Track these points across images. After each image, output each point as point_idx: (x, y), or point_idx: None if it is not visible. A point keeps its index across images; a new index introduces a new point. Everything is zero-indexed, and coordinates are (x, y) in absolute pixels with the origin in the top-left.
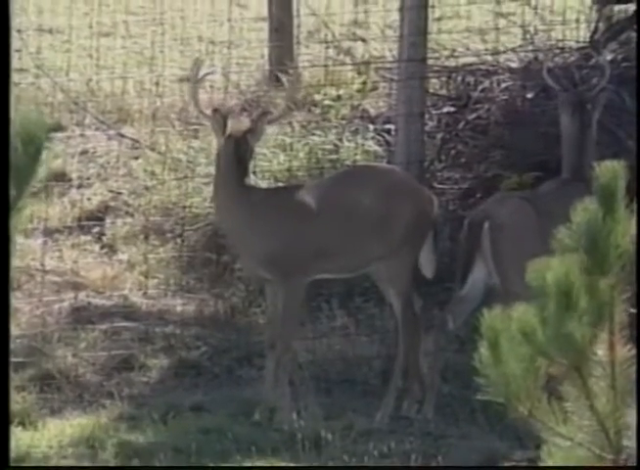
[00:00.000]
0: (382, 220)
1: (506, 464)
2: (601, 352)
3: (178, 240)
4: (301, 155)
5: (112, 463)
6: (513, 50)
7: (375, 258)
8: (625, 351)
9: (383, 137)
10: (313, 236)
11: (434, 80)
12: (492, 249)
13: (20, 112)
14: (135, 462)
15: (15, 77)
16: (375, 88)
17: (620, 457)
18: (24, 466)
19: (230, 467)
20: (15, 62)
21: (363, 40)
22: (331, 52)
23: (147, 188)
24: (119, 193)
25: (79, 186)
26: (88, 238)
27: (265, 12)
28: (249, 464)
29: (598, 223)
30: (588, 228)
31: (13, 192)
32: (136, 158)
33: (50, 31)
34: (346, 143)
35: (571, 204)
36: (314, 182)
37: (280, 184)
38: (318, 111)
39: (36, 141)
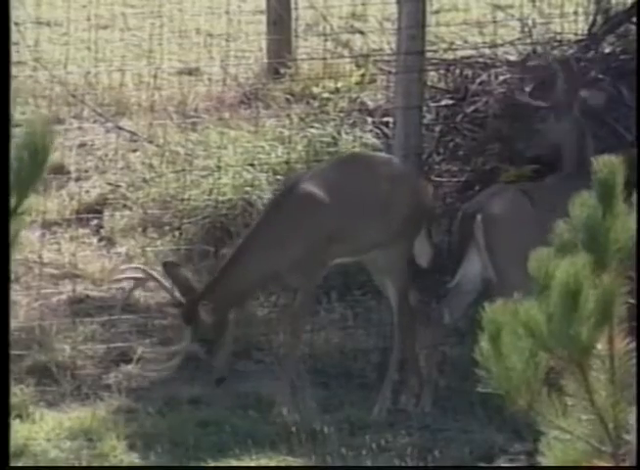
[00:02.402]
0: (380, 206)
1: (503, 457)
2: (600, 345)
3: (176, 233)
4: (300, 147)
5: (109, 456)
6: (511, 43)
7: (374, 244)
8: (624, 344)
9: (381, 130)
10: (325, 227)
11: (432, 73)
12: (486, 241)
13: (27, 120)
14: (133, 455)
15: (12, 70)
16: (373, 81)
17: (619, 451)
18: (25, 466)
19: (225, 467)
20: (12, 55)
21: (361, 33)
22: (329, 45)
23: (145, 181)
24: (118, 186)
25: (77, 179)
26: (86, 231)
27: (263, 4)
28: (246, 457)
29: (597, 219)
30: (587, 223)
31: (15, 197)
32: (134, 150)
33: (48, 24)
34: (345, 135)
35: (571, 198)
36: (311, 171)
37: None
38: (316, 103)
39: (43, 152)
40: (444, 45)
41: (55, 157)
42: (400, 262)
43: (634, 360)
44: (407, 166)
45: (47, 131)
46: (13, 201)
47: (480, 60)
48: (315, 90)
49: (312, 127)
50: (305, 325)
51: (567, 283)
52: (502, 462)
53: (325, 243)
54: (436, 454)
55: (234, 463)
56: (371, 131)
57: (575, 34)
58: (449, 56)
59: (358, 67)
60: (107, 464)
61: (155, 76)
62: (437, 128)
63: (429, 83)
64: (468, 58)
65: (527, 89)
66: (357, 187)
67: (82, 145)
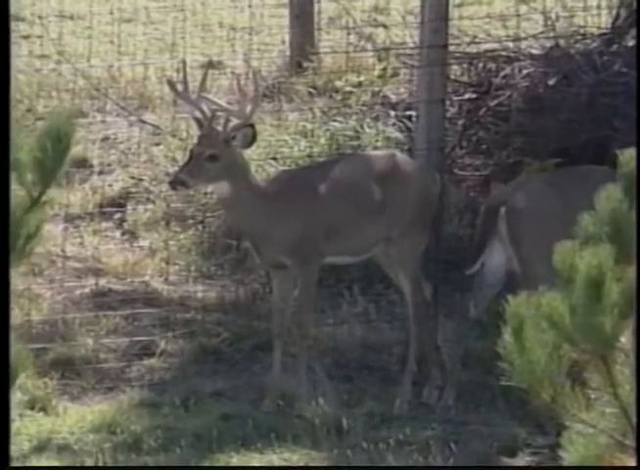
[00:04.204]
0: (384, 203)
1: (526, 450)
2: (624, 339)
3: (199, 226)
4: (322, 141)
5: (132, 449)
6: (534, 36)
7: (380, 239)
8: None
9: (404, 123)
10: (322, 217)
11: (455, 67)
12: (510, 233)
13: (50, 109)
14: (155, 448)
15: (36, 64)
16: (396, 74)
17: None
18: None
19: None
20: (36, 48)
21: (384, 26)
22: (352, 38)
23: (168, 174)
24: (141, 179)
25: (100, 172)
26: (109, 224)
27: None
28: (269, 451)
29: (622, 212)
30: (612, 216)
31: (39, 187)
32: (157, 144)
33: (71, 17)
34: (367, 129)
35: (597, 190)
36: (315, 164)
37: (282, 169)
38: (339, 97)
39: (66, 140)
40: (467, 39)
41: (78, 150)
42: (412, 253)
43: None
44: (411, 159)
45: (69, 121)
46: (36, 191)
47: (504, 53)
48: (338, 84)
49: (335, 121)
50: (311, 314)
51: (590, 274)
52: (525, 456)
53: (321, 234)
54: (459, 448)
55: (256, 457)
56: (394, 125)
57: (599, 28)
58: (472, 49)
59: (381, 60)
60: (130, 457)
61: (178, 70)
62: (461, 122)
63: (452, 77)
64: (491, 51)
65: (551, 82)
66: (356, 187)
67: (105, 139)
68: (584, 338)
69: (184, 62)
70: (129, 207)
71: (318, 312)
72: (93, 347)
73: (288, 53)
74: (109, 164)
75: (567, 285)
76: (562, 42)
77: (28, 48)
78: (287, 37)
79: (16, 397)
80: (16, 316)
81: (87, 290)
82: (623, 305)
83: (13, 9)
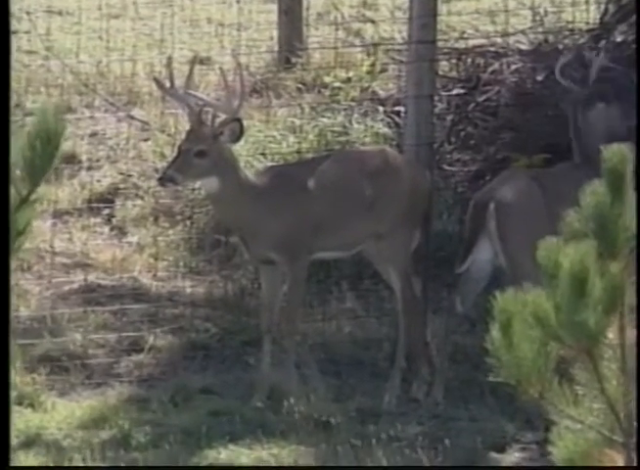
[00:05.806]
0: (374, 199)
1: (515, 446)
2: (611, 334)
3: (188, 222)
4: (311, 137)
5: (121, 445)
6: (523, 32)
7: (370, 234)
8: (635, 333)
9: (392, 119)
10: (311, 212)
11: (443, 62)
12: (498, 229)
13: (38, 108)
14: (144, 444)
15: (24, 59)
16: (384, 70)
17: (631, 440)
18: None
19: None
20: (24, 44)
21: (373, 22)
22: (340, 34)
23: (156, 170)
24: (129, 175)
25: (89, 168)
26: (98, 220)
27: None
28: (258, 446)
29: (606, 207)
30: (597, 212)
31: (28, 185)
32: (146, 140)
33: (59, 13)
34: (356, 125)
35: (581, 186)
36: (305, 160)
37: (270, 164)
38: (328, 93)
39: (55, 140)
40: (456, 34)
41: (67, 146)
42: (402, 249)
43: None
44: (400, 155)
45: (58, 119)
46: (25, 189)
47: (492, 49)
48: (326, 79)
49: (323, 117)
50: (300, 310)
51: (573, 270)
52: (513, 452)
53: (311, 230)
54: (448, 443)
55: (245, 453)
56: (382, 120)
57: (587, 23)
58: (461, 45)
59: (369, 56)
60: (118, 453)
61: (166, 66)
62: (449, 117)
63: (440, 72)
64: (479, 47)
65: (540, 78)
66: (346, 182)
67: (94, 134)
68: (569, 334)
69: (170, 58)
70: (118, 202)
71: (307, 308)
72: (81, 342)
73: (276, 49)
74: (97, 160)
75: (551, 281)
76: (550, 37)
77: (16, 44)
78: (275, 33)
79: None
80: None
81: (75, 285)
82: (607, 300)
83: None
